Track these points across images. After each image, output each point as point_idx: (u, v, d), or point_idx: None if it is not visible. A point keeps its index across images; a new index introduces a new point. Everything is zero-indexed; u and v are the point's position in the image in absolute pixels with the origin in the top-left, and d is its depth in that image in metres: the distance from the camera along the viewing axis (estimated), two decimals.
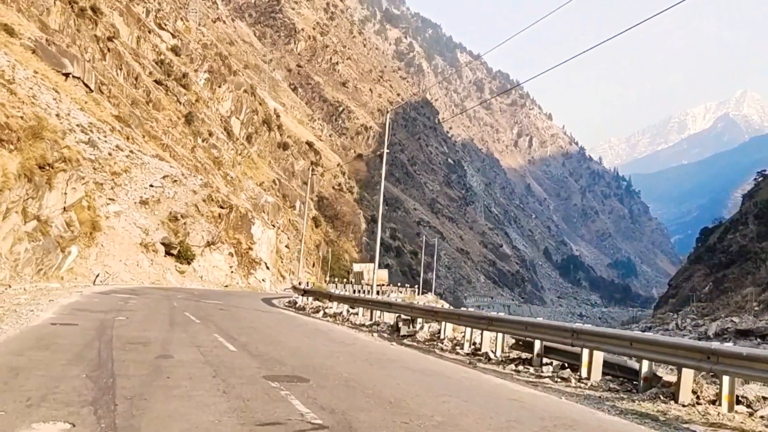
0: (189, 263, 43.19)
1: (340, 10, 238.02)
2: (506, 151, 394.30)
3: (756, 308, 74.37)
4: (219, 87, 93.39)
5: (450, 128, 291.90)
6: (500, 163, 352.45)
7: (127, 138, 54.50)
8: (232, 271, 47.89)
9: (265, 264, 56.79)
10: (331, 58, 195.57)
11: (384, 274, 69.36)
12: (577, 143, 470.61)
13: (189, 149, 74.64)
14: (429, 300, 68.02)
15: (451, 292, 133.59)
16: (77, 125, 45.46)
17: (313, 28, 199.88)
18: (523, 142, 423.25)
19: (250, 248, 53.15)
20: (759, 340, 59.13)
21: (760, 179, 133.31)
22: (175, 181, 48.31)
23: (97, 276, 34.77)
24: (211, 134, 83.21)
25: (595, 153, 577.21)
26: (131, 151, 50.57)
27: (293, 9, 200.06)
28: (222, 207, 49.19)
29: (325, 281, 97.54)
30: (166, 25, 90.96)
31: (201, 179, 53.60)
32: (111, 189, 43.28)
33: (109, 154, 46.32)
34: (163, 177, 48.05)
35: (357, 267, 74.04)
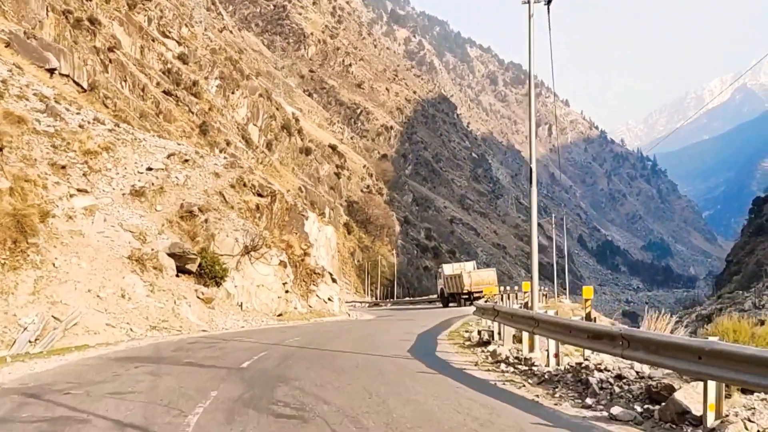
0: (218, 284, 28.21)
1: (347, 12, 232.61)
2: (526, 142, 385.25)
3: None
4: (233, 93, 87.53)
5: (468, 123, 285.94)
6: (522, 155, 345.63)
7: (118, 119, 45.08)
8: (286, 291, 32.97)
9: (330, 275, 41.87)
10: (343, 61, 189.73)
11: (491, 275, 52.81)
12: (597, 127, 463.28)
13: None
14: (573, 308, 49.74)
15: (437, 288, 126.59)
16: (34, 94, 31.77)
17: (322, 32, 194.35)
18: (542, 131, 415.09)
19: (306, 253, 38.42)
20: None
21: None
22: (187, 161, 34.30)
23: (25, 329, 17.70)
24: (228, 143, 77.43)
25: (615, 137, 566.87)
26: (117, 125, 37.26)
27: (300, 14, 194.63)
28: (261, 195, 35.07)
29: (367, 292, 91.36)
30: (170, 32, 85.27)
31: (225, 158, 39.65)
32: (83, 176, 28.04)
33: (80, 126, 32.17)
34: (168, 156, 34.09)
35: (448, 269, 56.86)
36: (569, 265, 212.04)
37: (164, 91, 73.39)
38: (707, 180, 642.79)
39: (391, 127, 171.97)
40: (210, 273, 28.05)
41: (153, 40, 79.74)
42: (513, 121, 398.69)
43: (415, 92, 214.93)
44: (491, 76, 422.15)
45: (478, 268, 57.81)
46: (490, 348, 15.91)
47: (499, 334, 17.39)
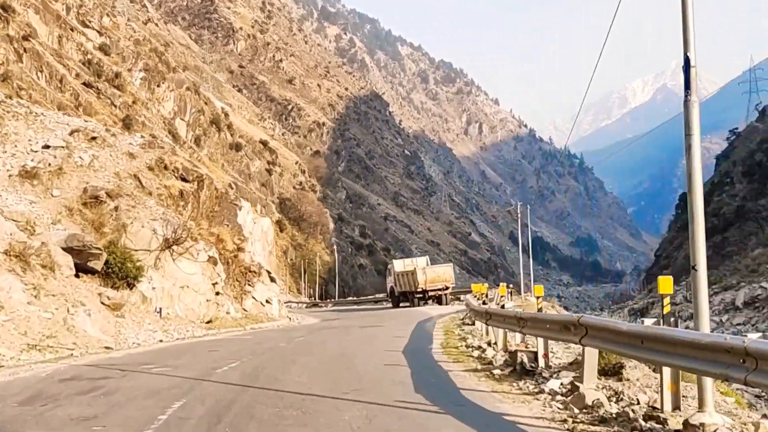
0: (131, 286, 22.95)
1: (277, 8, 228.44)
2: (457, 139, 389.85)
3: None
4: (158, 86, 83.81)
5: (401, 121, 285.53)
6: (453, 152, 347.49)
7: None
8: (217, 293, 27.93)
9: (268, 273, 36.73)
10: (274, 56, 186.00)
11: (448, 271, 48.43)
12: (526, 126, 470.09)
13: None
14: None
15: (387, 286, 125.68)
16: None
17: (252, 27, 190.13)
18: (473, 129, 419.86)
19: (240, 249, 32.77)
20: None
21: (732, 138, 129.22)
22: (94, 138, 28.97)
23: None
24: (154, 138, 73.50)
25: (543, 135, 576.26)
26: (8, 97, 32.80)
27: (228, 8, 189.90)
28: (185, 179, 30.10)
29: (302, 292, 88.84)
30: (90, 22, 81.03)
31: (142, 136, 33.16)
32: None
33: None
34: (71, 133, 28.86)
35: (399, 265, 50.95)
36: (501, 261, 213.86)
37: (84, 83, 69.47)
38: (632, 177, 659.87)
39: (324, 124, 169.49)
40: (120, 272, 22.47)
41: (72, 30, 75.51)
42: (444, 119, 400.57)
43: (347, 89, 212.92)
44: (422, 75, 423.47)
45: (431, 263, 52.27)
46: (553, 386, 10.03)
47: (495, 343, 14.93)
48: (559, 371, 11.22)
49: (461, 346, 17.36)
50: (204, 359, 15.26)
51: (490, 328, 17.77)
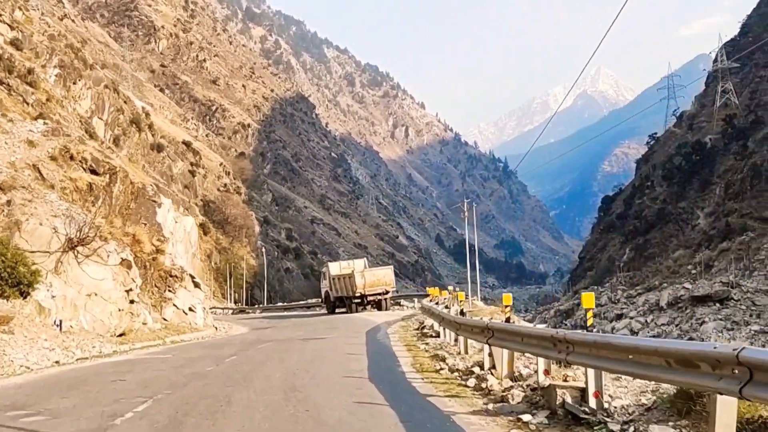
0: (24, 294, 19.53)
1: (200, 7, 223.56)
2: (384, 143, 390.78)
3: (693, 271, 69.68)
4: (74, 84, 79.93)
5: (327, 123, 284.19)
6: (380, 156, 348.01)
7: None
8: (132, 301, 24.47)
9: (192, 278, 32.49)
10: (197, 56, 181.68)
11: (388, 274, 44.97)
12: (452, 129, 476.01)
13: None
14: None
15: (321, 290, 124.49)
16: None
17: (174, 26, 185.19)
18: (399, 132, 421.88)
19: (160, 250, 29.26)
20: (718, 305, 53.72)
21: (652, 142, 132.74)
22: None
23: None
24: (59, 125, 70.13)
25: (468, 139, 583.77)
26: None
27: (150, 6, 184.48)
28: (95, 172, 27.23)
29: (228, 297, 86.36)
30: (1, 15, 76.66)
31: (45, 123, 30.56)
32: None
33: None
34: None
35: (335, 268, 47.07)
36: (428, 264, 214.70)
37: None
38: (554, 181, 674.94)
39: (249, 125, 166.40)
40: (10, 278, 18.67)
41: None
42: (370, 122, 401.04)
43: (272, 90, 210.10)
44: (348, 78, 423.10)
45: (370, 266, 48.76)
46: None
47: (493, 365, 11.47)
48: (635, 421, 7.35)
49: (441, 368, 13.64)
50: (102, 396, 10.95)
51: (466, 341, 14.99)
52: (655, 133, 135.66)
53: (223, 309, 66.55)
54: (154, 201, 33.73)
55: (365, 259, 52.95)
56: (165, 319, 28.59)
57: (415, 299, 49.10)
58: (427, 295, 40.62)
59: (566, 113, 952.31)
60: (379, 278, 43.39)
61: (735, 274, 60.17)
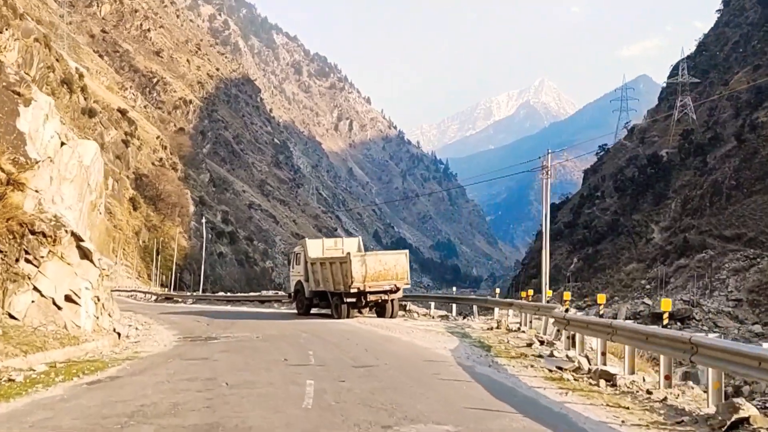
0: None
1: None
2: (327, 134, 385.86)
3: (647, 286, 67.42)
4: (1, 33, 72.82)
5: (271, 109, 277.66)
6: (322, 147, 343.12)
7: None
8: None
9: (78, 242, 17.85)
10: (141, 24, 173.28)
11: (401, 262, 28.37)
12: (396, 127, 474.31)
13: None
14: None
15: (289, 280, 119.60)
16: None
17: None
18: (343, 125, 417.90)
19: (17, 184, 17.01)
20: (679, 324, 51.20)
21: (602, 153, 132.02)
22: None
23: None
24: None
25: (411, 138, 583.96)
26: None
27: None
28: None
29: (154, 279, 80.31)
30: None
31: None
32: None
33: None
34: None
35: (315, 247, 30.91)
36: None
37: None
38: (491, 187, 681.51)
39: (191, 102, 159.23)
40: None
41: None
42: (315, 112, 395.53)
43: (218, 69, 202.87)
44: (296, 66, 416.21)
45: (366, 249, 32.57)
46: None
47: None
48: None
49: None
50: None
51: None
52: (605, 145, 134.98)
53: (145, 293, 58.19)
54: (17, 93, 18.76)
55: (359, 238, 34.57)
56: (12, 317, 15.55)
57: (454, 307, 31.79)
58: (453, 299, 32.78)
59: (508, 121, 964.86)
60: (388, 268, 27.60)
61: (694, 292, 57.94)
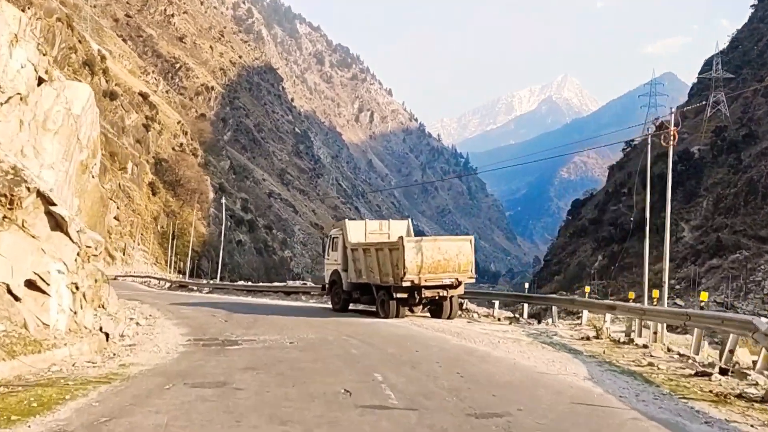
0: None
1: None
2: (348, 125, 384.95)
3: (677, 286, 65.16)
4: (23, 11, 71.90)
5: (293, 99, 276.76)
6: (343, 138, 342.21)
7: None
8: None
9: (48, 207, 12.70)
10: (165, 10, 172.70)
11: (464, 249, 22.45)
12: (416, 120, 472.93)
13: None
14: None
15: (309, 271, 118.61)
16: None
17: None
18: (364, 116, 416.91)
19: None
20: None
21: (628, 149, 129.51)
22: None
23: None
24: None
25: (431, 132, 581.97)
26: None
27: None
28: None
29: (170, 265, 79.29)
30: None
31: None
32: None
33: None
34: None
35: (356, 230, 25.16)
36: None
37: None
38: (511, 182, 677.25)
39: (213, 88, 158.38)
40: None
41: None
42: (336, 103, 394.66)
43: (240, 57, 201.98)
44: (318, 56, 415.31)
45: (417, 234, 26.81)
46: None
47: None
48: None
49: None
50: None
51: None
52: (631, 140, 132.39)
53: (159, 279, 54.85)
54: None
55: (410, 221, 27.73)
56: None
57: (525, 307, 26.53)
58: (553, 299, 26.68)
59: (529, 117, 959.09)
60: (449, 257, 21.99)
61: (728, 294, 55.83)
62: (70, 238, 13.23)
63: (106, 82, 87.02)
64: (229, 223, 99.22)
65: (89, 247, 14.13)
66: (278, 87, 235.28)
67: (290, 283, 45.28)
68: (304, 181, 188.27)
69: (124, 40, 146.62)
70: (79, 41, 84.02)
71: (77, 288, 13.18)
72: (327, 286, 26.84)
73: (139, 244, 78.21)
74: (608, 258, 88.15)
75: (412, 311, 23.31)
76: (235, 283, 49.81)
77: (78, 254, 13.46)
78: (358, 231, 25.29)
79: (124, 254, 72.91)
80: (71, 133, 16.16)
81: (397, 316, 22.02)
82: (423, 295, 21.95)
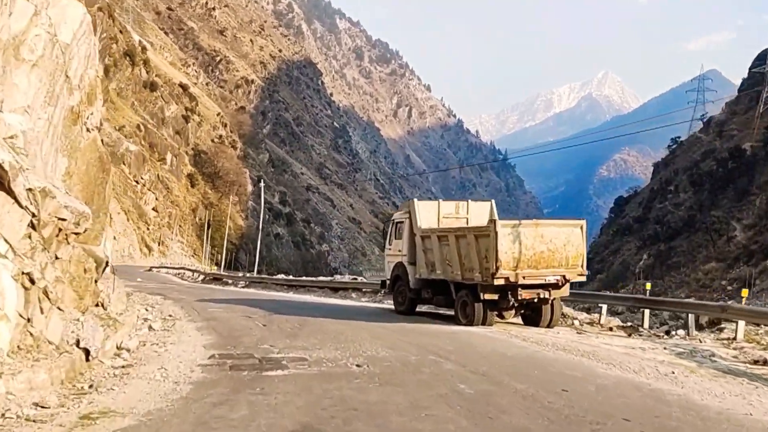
0: None
1: None
2: (386, 120, 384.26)
3: (729, 288, 62.55)
4: None
5: (332, 93, 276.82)
6: (381, 133, 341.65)
7: None
8: None
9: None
10: (206, 3, 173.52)
11: (571, 237, 17.10)
12: (455, 115, 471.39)
13: None
14: None
15: (347, 266, 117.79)
16: None
17: None
18: (402, 112, 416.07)
19: None
20: None
21: (674, 146, 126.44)
22: None
23: None
24: None
25: (469, 128, 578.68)
26: None
27: None
28: None
29: (205, 256, 78.84)
30: None
31: None
32: None
33: None
34: None
35: (429, 212, 19.88)
36: None
37: None
38: (549, 179, 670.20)
39: (252, 81, 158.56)
40: None
41: None
42: (375, 98, 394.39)
43: (280, 51, 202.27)
44: (357, 51, 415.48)
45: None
46: None
47: None
48: None
49: None
50: None
51: None
52: (678, 137, 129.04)
53: (193, 272, 51.36)
54: None
55: (493, 202, 21.61)
56: None
57: (646, 314, 19.72)
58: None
59: (569, 114, 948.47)
60: (554, 248, 17.03)
61: None
62: (16, 200, 8.33)
63: (147, 72, 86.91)
64: (267, 216, 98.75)
65: (63, 219, 9.56)
66: (317, 81, 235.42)
67: (338, 277, 39.65)
68: (342, 176, 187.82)
69: (166, 33, 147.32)
70: (120, 31, 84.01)
71: (32, 281, 8.39)
72: (388, 282, 21.53)
73: (176, 236, 77.93)
74: (654, 257, 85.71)
75: (501, 317, 18.25)
76: (275, 277, 44.48)
77: (33, 227, 8.86)
78: (430, 214, 20.25)
79: (161, 245, 72.69)
80: (57, 68, 11.31)
81: (483, 324, 16.81)
82: (520, 297, 16.79)
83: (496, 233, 16.10)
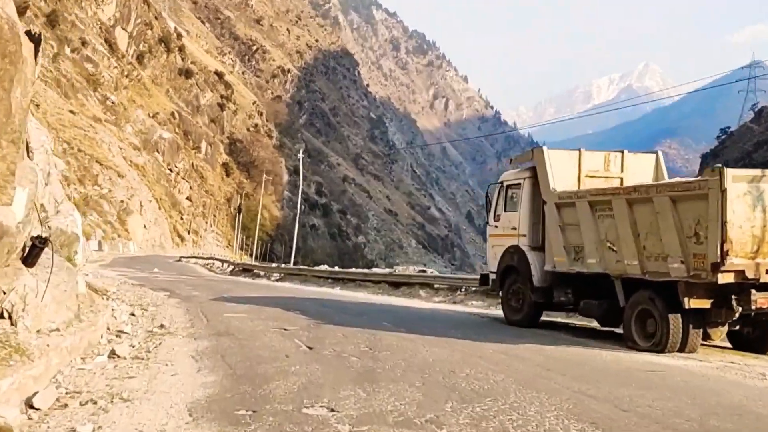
0: None
1: None
2: (422, 112, 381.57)
3: None
4: None
5: (368, 84, 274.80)
6: (417, 124, 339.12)
7: None
8: None
9: None
10: None
11: None
12: (492, 107, 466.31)
13: (48, 57, 52.76)
14: None
15: (383, 258, 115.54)
16: None
17: None
18: (439, 103, 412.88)
19: None
20: None
21: (724, 137, 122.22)
22: None
23: None
24: (84, 44, 61.33)
25: (507, 120, 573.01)
26: None
27: None
28: None
29: (236, 246, 77.14)
30: None
31: None
32: None
33: None
34: None
35: (565, 165, 12.36)
36: (457, 241, 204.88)
37: None
38: None
39: (289, 71, 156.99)
40: None
41: None
42: (411, 90, 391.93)
43: (317, 41, 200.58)
44: (394, 42, 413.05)
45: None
46: None
47: None
48: None
49: None
50: None
51: None
52: (728, 128, 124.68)
53: (223, 261, 47.41)
54: None
55: (659, 153, 13.71)
56: None
57: None
58: None
59: (608, 106, 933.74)
60: None
61: None
62: None
63: (182, 60, 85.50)
64: (303, 207, 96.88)
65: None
66: (354, 72, 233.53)
67: (398, 269, 30.03)
68: (378, 167, 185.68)
69: (202, 22, 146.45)
70: (156, 18, 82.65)
71: None
72: (495, 277, 13.73)
73: (211, 226, 76.41)
74: None
75: (706, 337, 10.76)
76: (315, 269, 34.76)
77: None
78: (566, 170, 12.71)
79: (195, 235, 71.03)
80: None
81: (682, 350, 9.75)
82: (754, 305, 9.24)
83: (722, 192, 8.88)
